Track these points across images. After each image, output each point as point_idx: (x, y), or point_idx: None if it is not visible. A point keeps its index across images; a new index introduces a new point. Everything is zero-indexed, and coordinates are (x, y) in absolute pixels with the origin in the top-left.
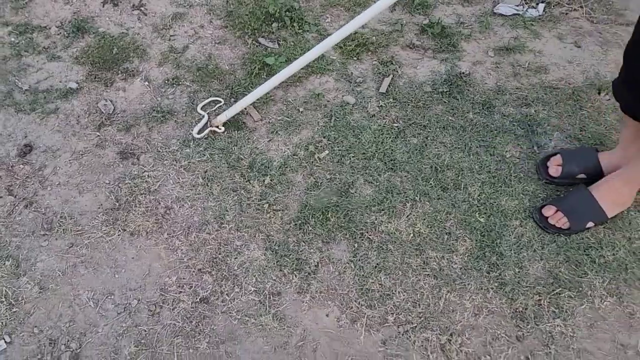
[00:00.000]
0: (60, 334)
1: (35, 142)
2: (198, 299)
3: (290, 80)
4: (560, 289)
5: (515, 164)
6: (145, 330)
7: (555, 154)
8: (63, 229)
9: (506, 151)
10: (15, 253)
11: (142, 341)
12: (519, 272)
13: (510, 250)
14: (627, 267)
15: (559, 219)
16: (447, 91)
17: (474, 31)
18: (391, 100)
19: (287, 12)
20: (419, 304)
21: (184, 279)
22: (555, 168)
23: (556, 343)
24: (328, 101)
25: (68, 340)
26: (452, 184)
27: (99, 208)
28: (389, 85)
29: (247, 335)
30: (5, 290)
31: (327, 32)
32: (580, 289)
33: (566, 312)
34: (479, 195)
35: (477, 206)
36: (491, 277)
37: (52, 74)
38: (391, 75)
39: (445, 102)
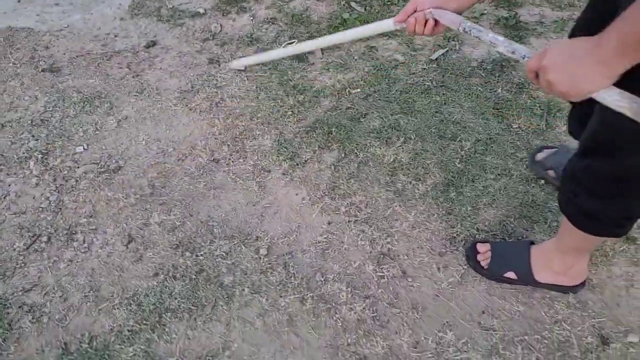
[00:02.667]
0: (116, 153)
1: (159, 41)
2: (212, 159)
3: None
4: (503, 236)
5: (517, 133)
6: (168, 167)
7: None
8: (148, 94)
9: (515, 123)
10: (113, 101)
11: (163, 172)
12: (470, 210)
13: (472, 192)
14: None
15: (484, 258)
16: (489, 69)
17: (548, 30)
18: (435, 66)
19: None
20: (369, 207)
21: (209, 144)
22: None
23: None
24: (382, 56)
25: (118, 159)
26: (450, 135)
27: (178, 88)
28: (441, 55)
29: (232, 189)
30: (97, 120)
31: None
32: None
33: None
34: (469, 149)
35: (462, 156)
36: (442, 206)
37: (191, 1)
38: (447, 48)
39: (482, 76)
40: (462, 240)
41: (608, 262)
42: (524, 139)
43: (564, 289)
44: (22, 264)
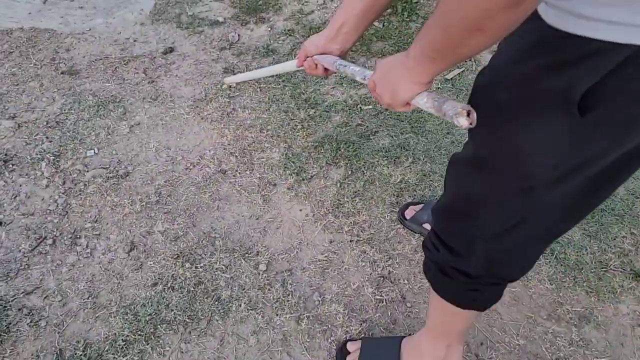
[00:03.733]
0: (126, 159)
1: (177, 47)
2: (219, 169)
3: (375, 50)
4: None
5: None
6: (176, 175)
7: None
8: (162, 101)
9: None
10: (127, 106)
11: (170, 181)
12: None
13: None
14: None
15: (353, 358)
16: None
17: None
18: (450, 85)
19: (402, 2)
20: (373, 227)
21: (218, 155)
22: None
23: None
24: None
25: (127, 165)
26: None
27: (192, 96)
28: (457, 75)
29: (237, 202)
30: (110, 124)
31: None
32: None
33: None
34: None
35: None
36: None
37: (211, 9)
38: (463, 68)
39: None
40: None
41: (615, 299)
42: None
43: None
44: (26, 266)
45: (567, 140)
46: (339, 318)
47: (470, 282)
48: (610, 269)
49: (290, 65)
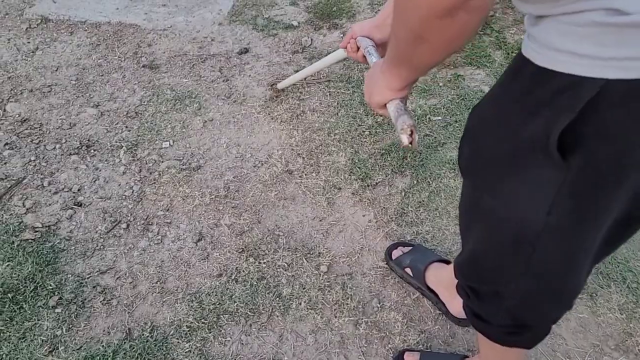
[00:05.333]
0: (198, 153)
1: (252, 48)
2: (286, 169)
3: (445, 62)
4: None
5: None
6: (244, 172)
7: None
8: (235, 99)
9: None
10: (202, 102)
11: (238, 177)
12: None
13: None
14: None
15: None
16: None
17: None
18: None
19: None
20: (436, 239)
21: (285, 155)
22: None
23: None
24: (468, 86)
25: (199, 158)
26: None
27: (263, 96)
28: None
29: (302, 202)
30: (185, 118)
31: (506, 41)
32: None
33: None
34: None
35: None
36: None
37: (286, 13)
38: None
39: None
40: None
41: None
42: None
43: None
44: (102, 247)
45: (555, 185)
46: (398, 326)
47: (509, 326)
48: None
49: (336, 54)
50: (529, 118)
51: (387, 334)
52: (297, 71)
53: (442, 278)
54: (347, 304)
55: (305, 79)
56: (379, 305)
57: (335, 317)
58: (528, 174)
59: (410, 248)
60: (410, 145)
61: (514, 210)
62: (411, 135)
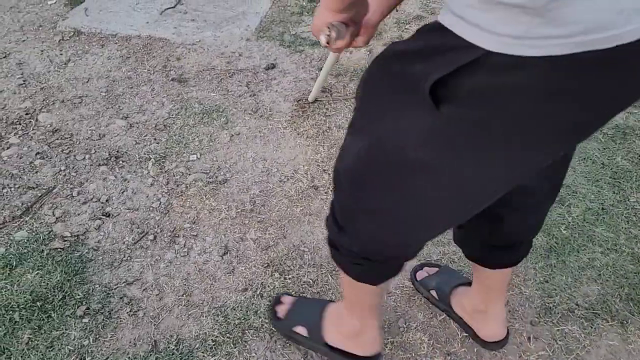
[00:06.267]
0: (225, 166)
1: (279, 64)
2: (312, 185)
3: None
4: (605, 316)
5: (634, 208)
6: (270, 187)
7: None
8: (261, 114)
9: (633, 196)
10: (229, 116)
11: (264, 191)
12: (570, 281)
13: (576, 263)
14: None
15: (283, 310)
16: (610, 134)
17: None
18: None
19: None
20: (462, 260)
21: (311, 171)
22: None
23: None
24: None
25: (226, 172)
26: (558, 198)
27: (290, 112)
28: None
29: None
30: (212, 132)
31: None
32: None
33: None
34: (577, 216)
35: (569, 222)
36: (541, 272)
37: None
38: None
39: (601, 140)
40: (558, 313)
41: None
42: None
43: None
44: (129, 258)
45: (427, 126)
46: (424, 347)
47: (355, 256)
48: None
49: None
50: (417, 60)
51: (413, 354)
52: (342, 91)
53: (465, 305)
54: None
55: (332, 94)
56: (404, 326)
57: None
58: (407, 109)
59: (436, 270)
60: (327, 45)
61: (393, 138)
62: (329, 35)
